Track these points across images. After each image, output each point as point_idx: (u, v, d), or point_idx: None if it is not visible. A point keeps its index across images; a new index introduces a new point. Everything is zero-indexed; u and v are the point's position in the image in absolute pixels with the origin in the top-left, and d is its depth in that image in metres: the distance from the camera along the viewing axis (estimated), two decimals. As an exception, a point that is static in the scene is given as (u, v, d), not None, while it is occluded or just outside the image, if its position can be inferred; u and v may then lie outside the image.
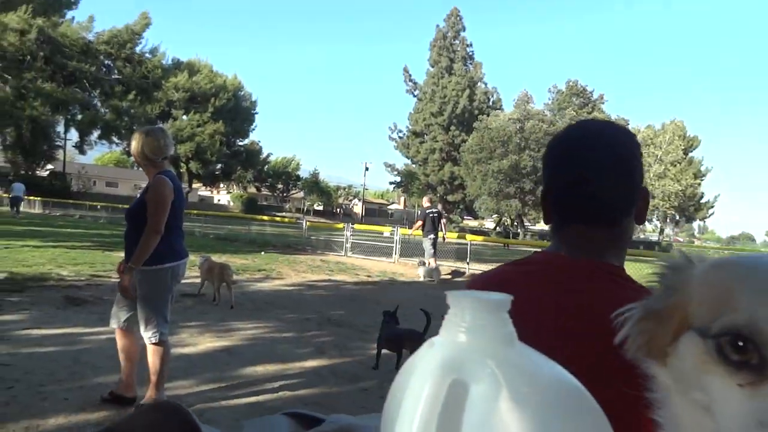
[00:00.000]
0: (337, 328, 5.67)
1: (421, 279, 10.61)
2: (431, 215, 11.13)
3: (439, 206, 13.82)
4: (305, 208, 69.50)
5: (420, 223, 11.33)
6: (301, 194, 70.59)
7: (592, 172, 0.82)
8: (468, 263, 12.44)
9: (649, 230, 69.93)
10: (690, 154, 62.47)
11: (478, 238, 16.07)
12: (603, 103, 41.66)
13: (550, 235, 0.91)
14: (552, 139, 0.93)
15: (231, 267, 7.09)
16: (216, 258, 11.01)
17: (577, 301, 0.77)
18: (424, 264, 10.91)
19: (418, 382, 0.34)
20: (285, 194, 70.95)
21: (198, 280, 7.10)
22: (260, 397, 3.49)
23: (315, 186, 66.43)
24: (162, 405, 0.69)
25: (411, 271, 12.09)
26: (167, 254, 3.09)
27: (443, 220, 11.61)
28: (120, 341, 3.29)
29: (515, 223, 45.14)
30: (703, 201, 64.53)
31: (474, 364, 0.34)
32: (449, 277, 11.66)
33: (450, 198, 48.83)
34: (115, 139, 42.23)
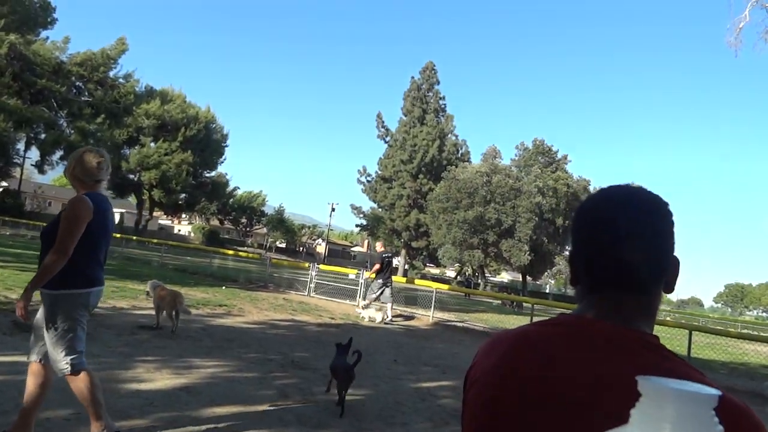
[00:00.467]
0: (300, 371, 5.50)
1: (377, 321, 10.63)
2: (386, 259, 11.56)
3: (390, 252, 14.32)
4: (268, 245, 68.51)
5: (378, 266, 11.52)
6: (265, 230, 69.71)
7: (625, 237, 0.81)
8: (432, 311, 12.41)
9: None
10: (645, 218, 64.99)
11: (444, 287, 16.09)
12: (567, 163, 43.16)
13: (577, 299, 0.89)
14: (585, 201, 0.92)
15: (182, 295, 6.90)
16: (176, 289, 10.69)
17: (615, 371, 0.74)
18: (370, 306, 11.16)
19: None
20: (248, 229, 69.94)
21: (152, 312, 6.81)
22: (220, 441, 3.32)
23: (279, 223, 65.76)
24: None
25: (375, 315, 11.96)
26: (75, 279, 2.84)
27: (394, 265, 12.10)
28: (33, 378, 3.01)
29: (476, 274, 45.53)
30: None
31: None
32: (399, 319, 11.71)
33: (414, 244, 49.07)
34: (77, 160, 41.13)
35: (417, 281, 13.14)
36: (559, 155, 43.29)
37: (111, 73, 41.20)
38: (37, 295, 2.90)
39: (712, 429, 0.32)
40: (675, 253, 0.86)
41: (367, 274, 12.79)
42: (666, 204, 0.87)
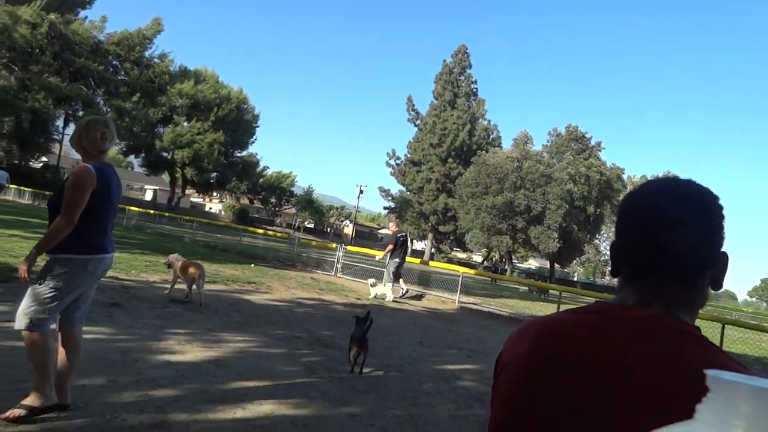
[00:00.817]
0: (326, 349, 5.57)
1: (387, 298, 10.79)
2: (401, 239, 11.73)
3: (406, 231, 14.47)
4: (296, 225, 69.23)
5: (391, 246, 11.73)
6: (294, 210, 70.40)
7: (668, 225, 0.81)
8: (458, 295, 12.39)
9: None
10: (681, 208, 63.30)
11: (471, 271, 16.02)
12: (600, 150, 42.18)
13: (618, 289, 0.87)
14: (631, 191, 0.91)
15: (203, 267, 7.12)
16: (207, 266, 10.91)
17: (650, 357, 0.73)
18: (375, 284, 11.21)
19: None
20: (277, 209, 70.72)
21: (181, 286, 6.96)
22: (248, 414, 3.39)
23: (308, 203, 66.30)
24: None
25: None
26: (73, 245, 2.84)
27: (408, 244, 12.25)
28: (61, 345, 3.01)
29: (503, 260, 45.18)
30: (690, 255, 65.16)
31: None
32: (412, 299, 11.91)
33: (441, 228, 48.89)
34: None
35: (441, 264, 13.05)
36: (593, 142, 42.34)
37: (147, 53, 41.84)
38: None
39: None
40: (724, 249, 0.84)
41: (379, 255, 12.86)
42: (715, 197, 0.84)
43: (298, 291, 9.90)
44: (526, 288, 24.90)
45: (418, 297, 12.41)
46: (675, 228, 0.80)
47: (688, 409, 0.61)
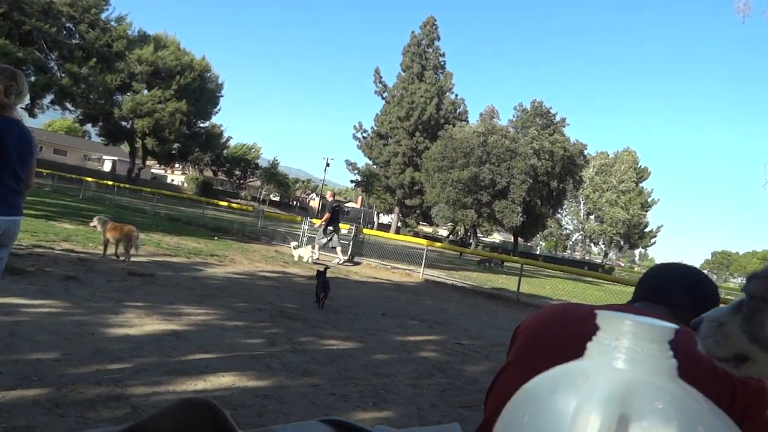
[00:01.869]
0: (289, 321, 5.58)
1: (305, 259, 11.49)
2: (336, 208, 12.57)
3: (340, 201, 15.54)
4: (261, 197, 68.37)
5: (328, 215, 12.43)
6: (258, 183, 69.42)
7: (680, 279, 1.24)
8: (423, 268, 12.55)
9: (594, 253, 72.48)
10: (640, 185, 65.26)
11: (437, 245, 16.22)
12: (564, 126, 42.84)
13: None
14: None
15: (136, 230, 7.49)
16: (168, 239, 10.73)
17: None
18: (297, 247, 12.07)
19: (584, 413, 0.30)
20: (242, 181, 69.62)
21: (142, 257, 6.85)
22: (208, 386, 3.39)
23: (273, 176, 65.44)
24: (194, 403, 0.59)
25: (365, 270, 12.10)
26: None
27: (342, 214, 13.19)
28: None
29: (468, 233, 45.85)
30: (647, 230, 67.44)
31: (642, 397, 0.30)
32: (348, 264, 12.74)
33: (408, 202, 49.15)
34: (69, 105, 40.35)
35: (407, 237, 13.22)
36: (557, 118, 42.92)
37: (103, 16, 39.88)
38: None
39: (664, 361, 0.32)
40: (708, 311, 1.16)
41: (316, 222, 13.39)
42: (711, 284, 1.26)
43: (261, 264, 9.85)
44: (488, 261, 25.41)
45: (356, 264, 12.90)
46: (672, 270, 1.27)
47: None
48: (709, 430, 0.30)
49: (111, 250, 7.55)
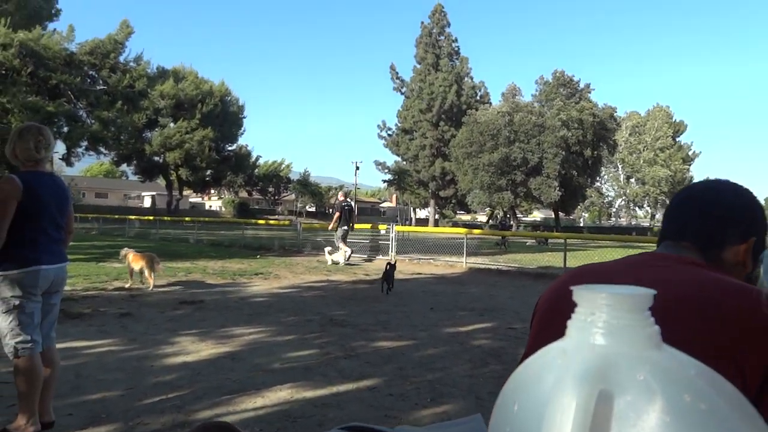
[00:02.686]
0: (339, 328, 5.62)
1: (340, 263, 11.80)
2: (346, 208, 12.69)
3: (351, 201, 15.41)
4: (298, 210, 69.27)
5: (338, 215, 12.58)
6: (293, 196, 70.35)
7: (690, 203, 1.04)
8: (465, 257, 12.44)
9: (641, 216, 70.32)
10: (678, 139, 62.95)
11: (477, 231, 16.06)
12: (590, 92, 41.73)
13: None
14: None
15: (156, 256, 8.13)
16: (213, 264, 10.98)
17: (655, 275, 0.89)
18: (337, 251, 12.21)
19: (560, 393, 0.29)
20: (276, 197, 70.66)
21: (192, 288, 7.03)
22: (268, 401, 3.44)
23: (306, 187, 66.21)
24: (210, 427, 0.59)
25: (408, 267, 12.07)
26: (5, 262, 2.77)
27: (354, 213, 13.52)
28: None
29: (508, 216, 45.25)
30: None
31: (621, 370, 0.29)
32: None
33: (442, 193, 48.85)
34: (102, 149, 41.82)
35: (446, 229, 13.16)
36: (581, 85, 41.86)
37: (121, 58, 41.20)
38: None
39: (644, 330, 0.31)
40: (751, 239, 0.99)
41: (331, 225, 13.37)
42: (738, 196, 1.03)
43: (306, 276, 9.96)
44: (534, 241, 24.99)
45: (369, 260, 13.52)
46: (696, 207, 1.02)
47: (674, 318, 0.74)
48: (698, 396, 0.29)
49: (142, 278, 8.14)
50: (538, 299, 1.05)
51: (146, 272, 7.85)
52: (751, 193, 1.05)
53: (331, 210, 74.49)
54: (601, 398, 0.28)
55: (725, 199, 1.03)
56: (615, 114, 41.23)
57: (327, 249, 12.43)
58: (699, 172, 68.46)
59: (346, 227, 12.56)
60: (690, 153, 63.56)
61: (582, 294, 0.32)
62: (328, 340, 5.08)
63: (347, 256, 12.23)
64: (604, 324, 0.31)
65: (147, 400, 3.40)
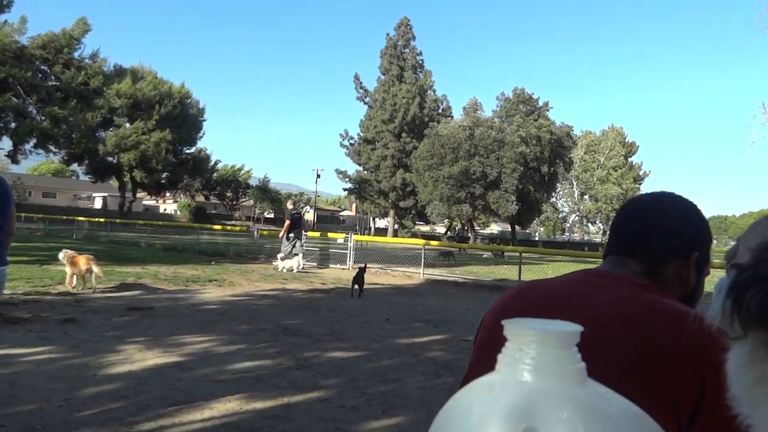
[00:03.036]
0: (292, 337, 5.56)
1: (294, 270, 11.97)
2: (296, 216, 12.98)
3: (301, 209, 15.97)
4: (255, 216, 68.27)
5: (288, 223, 12.81)
6: (251, 202, 69.34)
7: (636, 217, 1.01)
8: (422, 268, 12.53)
9: (593, 232, 72.60)
10: (630, 159, 65.48)
11: (435, 243, 16.21)
12: (548, 110, 42.95)
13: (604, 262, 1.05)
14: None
15: (94, 258, 7.93)
16: (165, 269, 10.68)
17: (600, 298, 0.87)
18: (282, 259, 12.31)
19: (486, 430, 0.29)
20: (234, 202, 69.51)
21: (141, 293, 6.82)
22: (215, 413, 3.36)
23: (265, 193, 65.37)
24: None
25: (366, 277, 12.04)
26: None
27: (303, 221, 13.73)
28: None
29: (466, 228, 45.87)
30: (642, 203, 67.62)
31: (546, 408, 0.29)
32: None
33: (402, 204, 49.11)
34: (52, 147, 40.21)
35: (404, 239, 13.25)
36: (540, 103, 43.00)
37: (76, 54, 39.82)
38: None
39: (570, 367, 0.31)
40: (693, 254, 0.97)
41: (282, 233, 13.52)
42: (692, 210, 1.01)
43: (261, 283, 9.81)
44: (490, 253, 25.41)
45: (320, 267, 13.73)
46: (646, 222, 0.99)
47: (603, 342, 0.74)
48: (630, 428, 0.29)
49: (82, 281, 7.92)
50: (484, 315, 1.02)
51: (95, 273, 7.67)
52: (696, 206, 1.04)
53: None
54: None
55: (670, 213, 1.01)
56: (571, 132, 42.55)
57: (279, 255, 12.50)
58: (648, 191, 71.23)
59: (294, 235, 12.78)
60: (641, 172, 66.19)
61: (511, 329, 0.32)
62: (280, 350, 5.01)
63: (300, 264, 12.37)
64: (531, 360, 0.31)
65: (87, 411, 3.26)
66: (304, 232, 13.35)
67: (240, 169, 66.40)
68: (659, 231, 0.97)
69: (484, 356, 0.89)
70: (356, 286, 8.66)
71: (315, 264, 14.04)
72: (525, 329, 0.32)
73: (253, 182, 68.51)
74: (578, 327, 0.33)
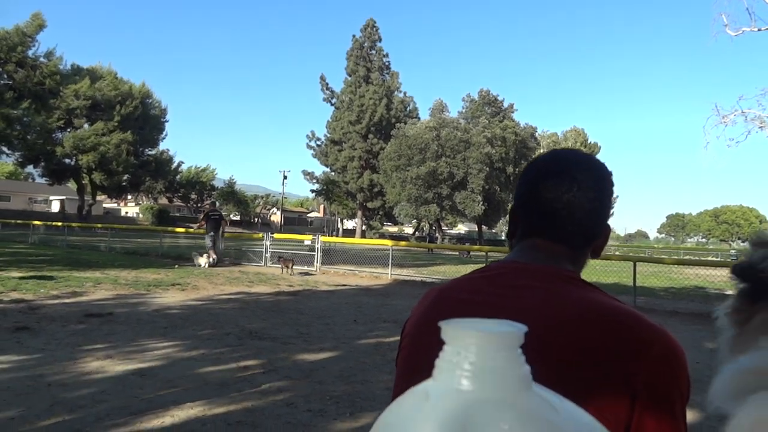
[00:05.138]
0: (258, 341, 5.47)
1: (202, 266, 12.55)
2: (213, 216, 13.61)
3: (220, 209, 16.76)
4: (222, 219, 67.19)
5: (203, 222, 13.77)
6: (217, 204, 68.23)
7: (556, 192, 0.85)
8: (390, 268, 12.53)
9: (558, 231, 74.15)
10: (591, 159, 67.24)
11: (402, 243, 16.26)
12: (513, 111, 43.65)
13: (511, 247, 0.92)
14: (533, 161, 0.94)
15: None
16: (126, 274, 10.39)
17: (532, 300, 0.78)
18: (202, 255, 12.98)
19: None
20: (199, 205, 68.25)
21: (99, 300, 6.61)
22: (177, 420, 3.27)
23: (231, 195, 64.41)
24: None
25: (333, 278, 12.00)
26: None
27: (223, 221, 14.12)
28: None
29: (433, 228, 46.20)
30: (603, 202, 69.51)
31: (485, 419, 0.27)
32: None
33: (370, 205, 49.12)
34: (5, 149, 38.69)
35: (372, 240, 13.24)
36: (505, 104, 43.68)
37: (30, 53, 38.42)
38: None
39: (513, 371, 0.29)
40: (608, 222, 0.90)
41: (193, 229, 14.85)
42: (604, 172, 0.89)
43: (226, 287, 9.64)
44: (457, 253, 25.66)
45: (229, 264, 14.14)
46: (561, 196, 0.84)
47: (547, 349, 0.68)
48: None
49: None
50: (405, 323, 0.91)
51: None
52: (603, 164, 0.91)
53: (257, 219, 72.92)
54: None
55: (601, 179, 0.87)
56: (535, 133, 43.36)
57: (194, 253, 13.24)
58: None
59: (213, 233, 13.26)
60: (602, 172, 68.03)
61: (449, 332, 0.30)
62: (245, 354, 4.92)
63: (212, 260, 12.94)
64: (470, 366, 0.28)
65: (42, 423, 3.13)
66: (221, 231, 13.85)
67: (204, 170, 65.21)
68: (579, 208, 0.84)
69: (412, 368, 0.81)
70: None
71: (280, 267, 13.90)
72: (464, 331, 0.29)
73: (218, 184, 67.44)
74: (522, 327, 0.30)
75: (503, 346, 0.29)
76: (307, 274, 12.56)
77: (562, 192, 0.84)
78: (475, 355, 0.28)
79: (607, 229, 0.89)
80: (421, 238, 44.78)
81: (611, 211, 0.90)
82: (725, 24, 16.01)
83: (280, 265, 12.56)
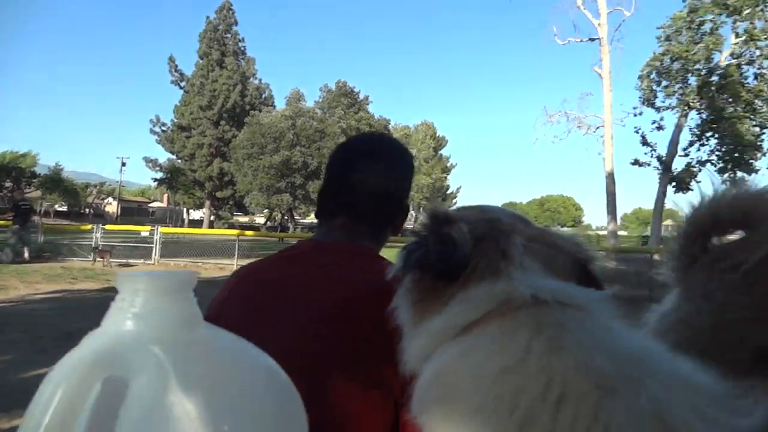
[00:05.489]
0: (78, 342, 4.95)
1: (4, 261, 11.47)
2: (22, 207, 12.91)
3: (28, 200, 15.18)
4: (43, 210, 59.48)
5: (12, 214, 13.03)
6: (39, 193, 60.20)
7: (357, 173, 0.90)
8: (236, 259, 12.16)
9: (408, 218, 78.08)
10: (440, 152, 71.64)
11: (250, 233, 15.83)
12: (368, 104, 44.71)
13: (317, 227, 0.96)
14: (341, 144, 0.99)
15: None
16: None
17: (327, 274, 0.82)
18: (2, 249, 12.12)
19: (51, 385, 0.29)
20: (13, 194, 59.71)
21: None
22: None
23: (56, 183, 57.27)
24: None
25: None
26: None
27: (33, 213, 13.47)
28: None
29: (286, 218, 45.78)
30: (449, 192, 74.57)
31: (136, 354, 0.28)
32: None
33: (219, 194, 47.01)
34: None
35: (220, 231, 12.74)
36: (361, 96, 44.60)
37: None
38: None
39: (182, 312, 0.30)
40: (407, 201, 0.97)
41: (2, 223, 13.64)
42: (403, 155, 0.97)
43: (43, 285, 8.57)
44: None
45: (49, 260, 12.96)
46: (362, 178, 0.90)
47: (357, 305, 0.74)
48: (215, 371, 0.28)
49: None
50: (211, 305, 0.91)
51: None
52: (404, 147, 0.99)
53: (88, 209, 65.78)
54: (111, 385, 0.27)
55: (401, 161, 0.93)
56: (389, 126, 44.97)
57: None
58: (455, 181, 78.60)
59: (19, 226, 12.51)
60: (448, 164, 72.85)
61: (121, 280, 0.31)
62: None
63: (21, 253, 12.08)
64: (136, 309, 0.30)
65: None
66: (34, 222, 13.11)
67: (23, 156, 57.11)
68: (378, 189, 0.89)
69: None
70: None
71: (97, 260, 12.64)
72: (133, 278, 0.30)
73: (40, 170, 59.50)
74: (192, 273, 0.32)
75: (169, 289, 0.30)
76: (127, 265, 11.66)
77: (362, 173, 0.90)
78: (142, 299, 0.30)
79: (406, 207, 0.97)
80: (272, 228, 44.07)
81: (410, 192, 0.97)
82: (555, 33, 18.04)
83: (98, 258, 11.52)
